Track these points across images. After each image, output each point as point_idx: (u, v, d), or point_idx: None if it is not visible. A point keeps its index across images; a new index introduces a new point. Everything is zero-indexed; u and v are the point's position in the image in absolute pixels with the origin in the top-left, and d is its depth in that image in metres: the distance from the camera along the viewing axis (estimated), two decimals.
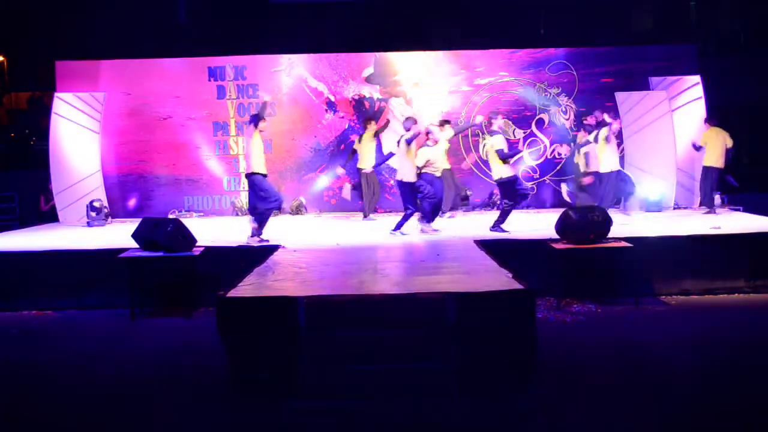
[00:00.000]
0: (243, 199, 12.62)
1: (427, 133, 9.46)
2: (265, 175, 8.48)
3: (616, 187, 10.06)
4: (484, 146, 10.18)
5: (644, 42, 13.30)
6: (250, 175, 8.45)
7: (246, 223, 8.88)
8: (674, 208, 11.51)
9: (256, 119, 8.44)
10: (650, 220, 10.11)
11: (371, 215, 11.19)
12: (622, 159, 11.38)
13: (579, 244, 7.61)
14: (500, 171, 9.03)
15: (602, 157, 9.96)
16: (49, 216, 12.12)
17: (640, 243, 7.80)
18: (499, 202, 12.20)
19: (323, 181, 12.71)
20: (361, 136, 11.36)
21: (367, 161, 11.12)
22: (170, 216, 11.70)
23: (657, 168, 11.42)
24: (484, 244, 7.76)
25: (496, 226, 9.03)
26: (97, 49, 12.61)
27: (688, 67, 12.29)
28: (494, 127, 9.14)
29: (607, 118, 10.01)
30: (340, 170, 11.74)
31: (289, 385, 4.91)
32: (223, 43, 12.91)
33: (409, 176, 9.09)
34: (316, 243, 8.63)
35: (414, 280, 5.99)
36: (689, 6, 15.60)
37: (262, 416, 4.76)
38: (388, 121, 11.86)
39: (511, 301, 5.13)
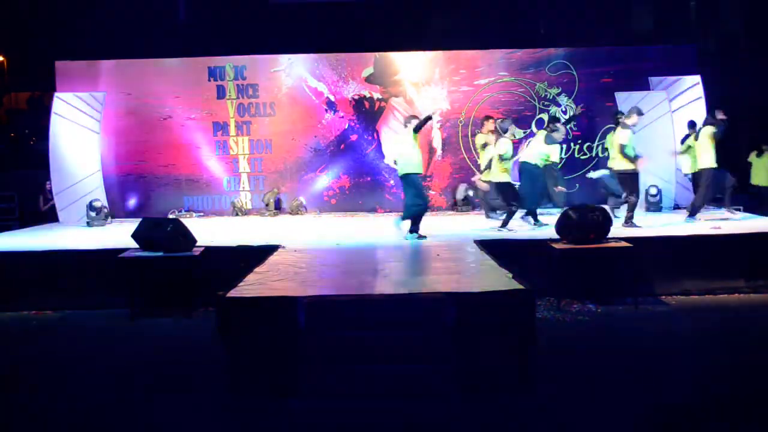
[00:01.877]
0: (242, 199, 12.64)
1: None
2: (419, 175, 8.79)
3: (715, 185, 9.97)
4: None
5: (644, 42, 13.30)
6: (406, 175, 8.63)
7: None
8: (674, 208, 11.52)
9: (419, 126, 8.56)
10: (650, 220, 10.11)
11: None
12: None
13: (579, 244, 7.61)
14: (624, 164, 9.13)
15: (704, 154, 9.68)
16: (48, 216, 12.12)
17: (640, 243, 7.80)
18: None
19: (323, 181, 12.72)
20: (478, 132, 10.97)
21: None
22: (170, 216, 11.70)
23: (657, 168, 11.42)
24: (484, 244, 7.76)
25: (628, 221, 9.17)
26: (96, 49, 12.60)
27: (688, 67, 12.30)
28: (628, 122, 9.20)
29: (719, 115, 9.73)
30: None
31: (289, 385, 4.91)
32: (223, 43, 12.90)
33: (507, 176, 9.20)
34: (316, 243, 8.63)
35: (414, 280, 5.98)
36: (689, 6, 15.59)
37: (262, 416, 4.76)
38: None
39: (511, 301, 5.13)
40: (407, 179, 8.66)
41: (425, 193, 9.03)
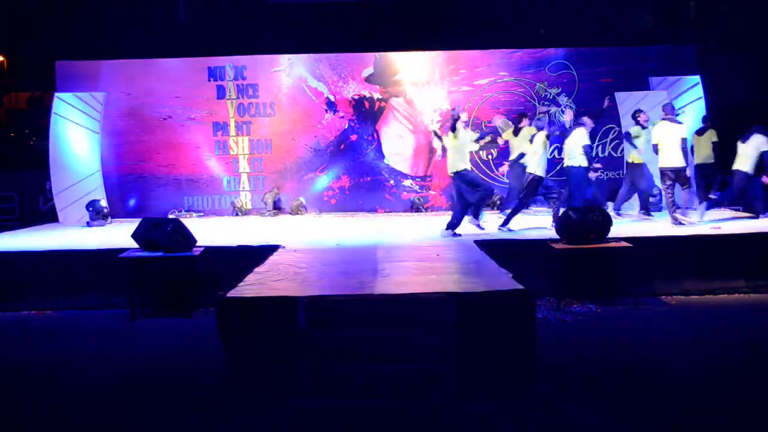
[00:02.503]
0: (243, 199, 12.63)
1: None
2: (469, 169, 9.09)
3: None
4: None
5: (644, 42, 13.30)
6: (456, 173, 8.90)
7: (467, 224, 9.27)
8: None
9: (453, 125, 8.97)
10: (650, 220, 10.11)
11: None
12: (621, 158, 11.40)
13: (579, 244, 7.61)
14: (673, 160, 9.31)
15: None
16: (48, 216, 12.12)
17: (640, 243, 7.79)
18: (499, 202, 12.25)
19: (323, 181, 12.72)
20: (518, 129, 10.91)
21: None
22: (170, 216, 11.70)
23: (656, 168, 11.39)
24: (484, 244, 7.76)
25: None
26: (97, 49, 12.60)
27: (688, 67, 12.30)
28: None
29: None
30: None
31: (289, 385, 4.91)
32: (223, 43, 12.90)
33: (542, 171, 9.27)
34: (316, 243, 8.63)
35: (414, 280, 5.98)
36: (689, 6, 15.58)
37: (262, 416, 4.76)
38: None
39: (511, 302, 5.12)
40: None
41: (479, 181, 9.11)
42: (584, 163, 9.53)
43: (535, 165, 9.18)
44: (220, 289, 5.36)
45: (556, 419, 4.61)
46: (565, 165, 9.76)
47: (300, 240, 8.83)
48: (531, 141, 9.47)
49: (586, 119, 9.78)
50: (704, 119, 11.30)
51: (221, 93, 12.58)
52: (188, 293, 7.76)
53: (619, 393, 5.05)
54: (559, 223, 7.89)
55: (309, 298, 5.12)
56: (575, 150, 9.53)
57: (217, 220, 12.01)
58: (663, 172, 9.30)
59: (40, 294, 8.17)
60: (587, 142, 9.53)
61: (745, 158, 9.84)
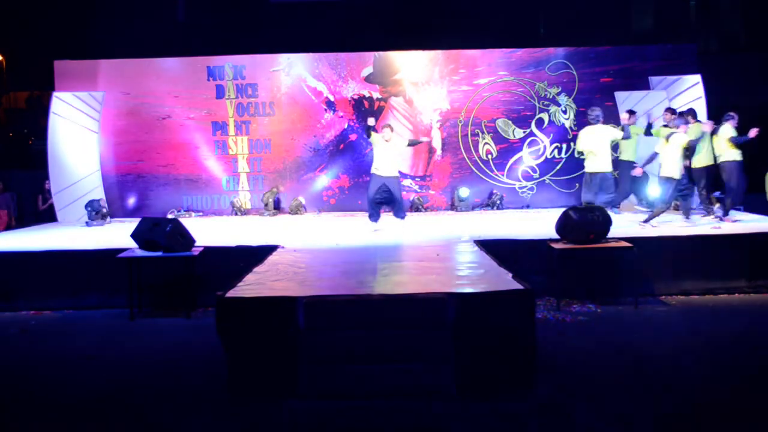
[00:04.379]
0: (242, 198, 12.62)
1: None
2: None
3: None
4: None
5: (644, 42, 13.30)
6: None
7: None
8: (674, 209, 11.49)
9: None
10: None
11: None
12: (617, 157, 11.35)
13: (579, 244, 7.60)
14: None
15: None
16: (47, 216, 12.10)
17: (640, 243, 7.79)
18: (499, 202, 12.25)
19: (322, 180, 12.70)
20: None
21: (629, 153, 11.12)
22: (169, 216, 11.69)
23: (656, 167, 11.38)
24: (484, 244, 7.75)
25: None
26: (95, 49, 12.58)
27: (688, 66, 12.30)
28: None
29: None
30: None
31: (289, 385, 4.90)
32: (222, 43, 12.89)
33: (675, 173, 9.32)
34: (316, 243, 8.61)
35: (414, 280, 5.97)
36: (689, 6, 15.59)
37: (262, 416, 4.74)
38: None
39: (511, 301, 5.11)
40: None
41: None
42: (738, 157, 9.57)
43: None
44: (219, 289, 5.35)
45: (555, 419, 4.60)
46: (727, 160, 9.70)
47: (299, 240, 8.81)
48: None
49: (733, 113, 9.88)
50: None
51: (220, 92, 12.56)
52: (187, 293, 7.74)
53: (619, 393, 5.04)
54: (559, 223, 7.87)
55: (308, 298, 5.10)
56: (725, 145, 9.59)
57: (216, 219, 11.99)
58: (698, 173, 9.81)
59: (40, 294, 8.15)
60: (734, 134, 9.61)
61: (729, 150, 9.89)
